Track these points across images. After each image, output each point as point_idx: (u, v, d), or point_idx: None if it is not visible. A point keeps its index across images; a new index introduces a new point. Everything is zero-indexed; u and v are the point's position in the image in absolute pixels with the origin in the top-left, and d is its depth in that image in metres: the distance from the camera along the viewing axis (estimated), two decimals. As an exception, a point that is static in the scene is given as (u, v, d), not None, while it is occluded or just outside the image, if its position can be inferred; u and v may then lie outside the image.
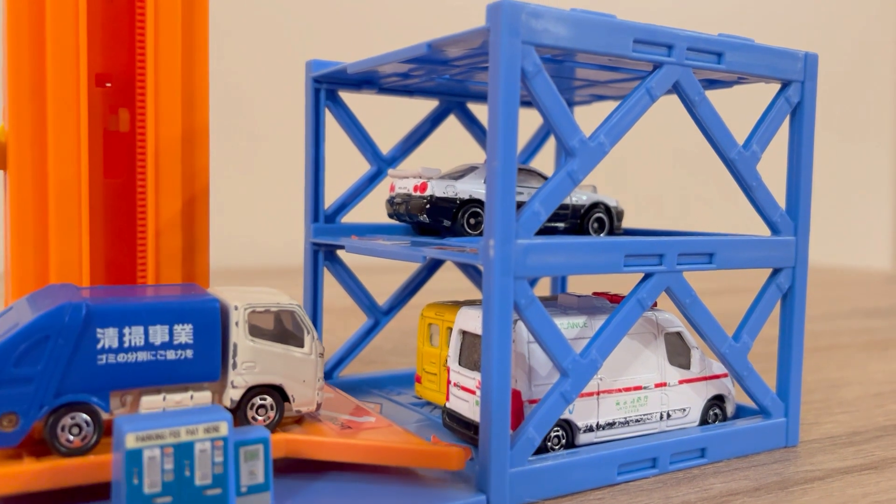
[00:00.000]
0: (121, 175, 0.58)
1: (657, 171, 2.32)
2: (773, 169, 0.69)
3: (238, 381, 0.50)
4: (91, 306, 0.46)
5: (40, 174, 0.54)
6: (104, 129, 0.57)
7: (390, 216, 0.69)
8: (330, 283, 0.73)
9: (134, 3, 0.56)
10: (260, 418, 0.51)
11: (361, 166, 0.75)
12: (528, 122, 0.68)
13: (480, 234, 0.64)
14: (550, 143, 0.84)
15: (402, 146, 0.76)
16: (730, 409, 0.64)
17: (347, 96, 0.73)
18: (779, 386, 0.64)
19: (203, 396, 0.49)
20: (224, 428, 0.43)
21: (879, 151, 2.75)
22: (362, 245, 0.61)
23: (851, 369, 0.94)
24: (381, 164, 0.75)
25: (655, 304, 0.62)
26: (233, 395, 0.50)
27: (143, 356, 0.47)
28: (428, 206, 0.64)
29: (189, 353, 0.48)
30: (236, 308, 0.50)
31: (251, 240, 1.88)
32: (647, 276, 0.56)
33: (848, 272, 2.24)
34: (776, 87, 0.62)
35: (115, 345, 0.46)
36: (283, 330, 0.52)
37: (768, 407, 0.63)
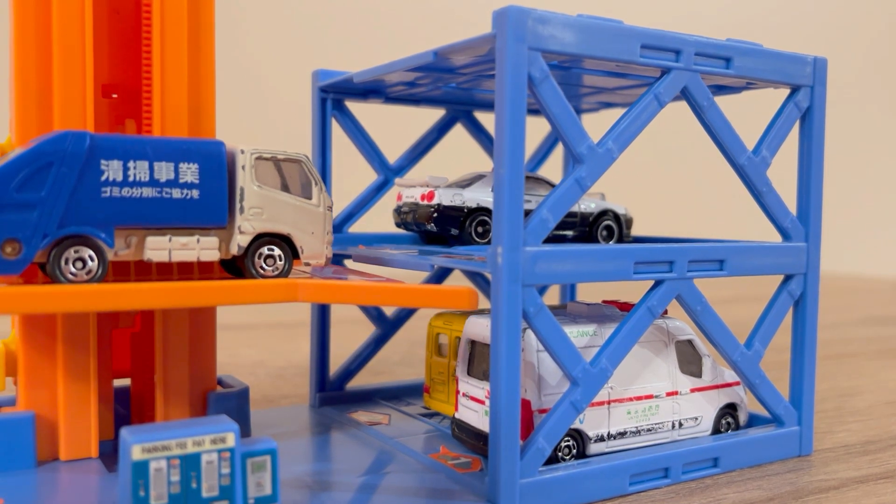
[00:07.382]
0: (127, 186, 0.58)
1: (666, 178, 2.31)
2: (784, 174, 0.69)
3: (245, 226, 0.49)
4: (95, 136, 0.46)
5: (47, 185, 0.54)
6: (110, 139, 0.57)
7: (398, 225, 0.69)
8: (337, 293, 0.73)
9: (140, 14, 0.56)
10: (268, 268, 0.50)
11: (368, 176, 0.75)
12: (536, 130, 0.68)
13: (488, 243, 0.64)
14: (558, 152, 0.84)
15: (409, 155, 0.76)
16: (742, 418, 0.63)
17: (354, 106, 0.73)
18: (792, 394, 0.64)
19: (210, 241, 0.48)
20: (231, 439, 0.43)
21: (890, 157, 2.73)
22: (370, 254, 0.61)
23: (863, 378, 0.94)
24: (388, 174, 0.75)
25: (666, 312, 0.62)
26: (240, 240, 0.49)
27: (148, 192, 0.47)
28: (435, 214, 0.63)
29: (195, 194, 0.48)
30: (243, 152, 0.50)
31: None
32: (658, 283, 0.56)
33: (857, 279, 2.23)
34: (785, 92, 0.62)
35: (120, 178, 0.46)
36: (290, 181, 0.52)
37: (781, 415, 0.62)
